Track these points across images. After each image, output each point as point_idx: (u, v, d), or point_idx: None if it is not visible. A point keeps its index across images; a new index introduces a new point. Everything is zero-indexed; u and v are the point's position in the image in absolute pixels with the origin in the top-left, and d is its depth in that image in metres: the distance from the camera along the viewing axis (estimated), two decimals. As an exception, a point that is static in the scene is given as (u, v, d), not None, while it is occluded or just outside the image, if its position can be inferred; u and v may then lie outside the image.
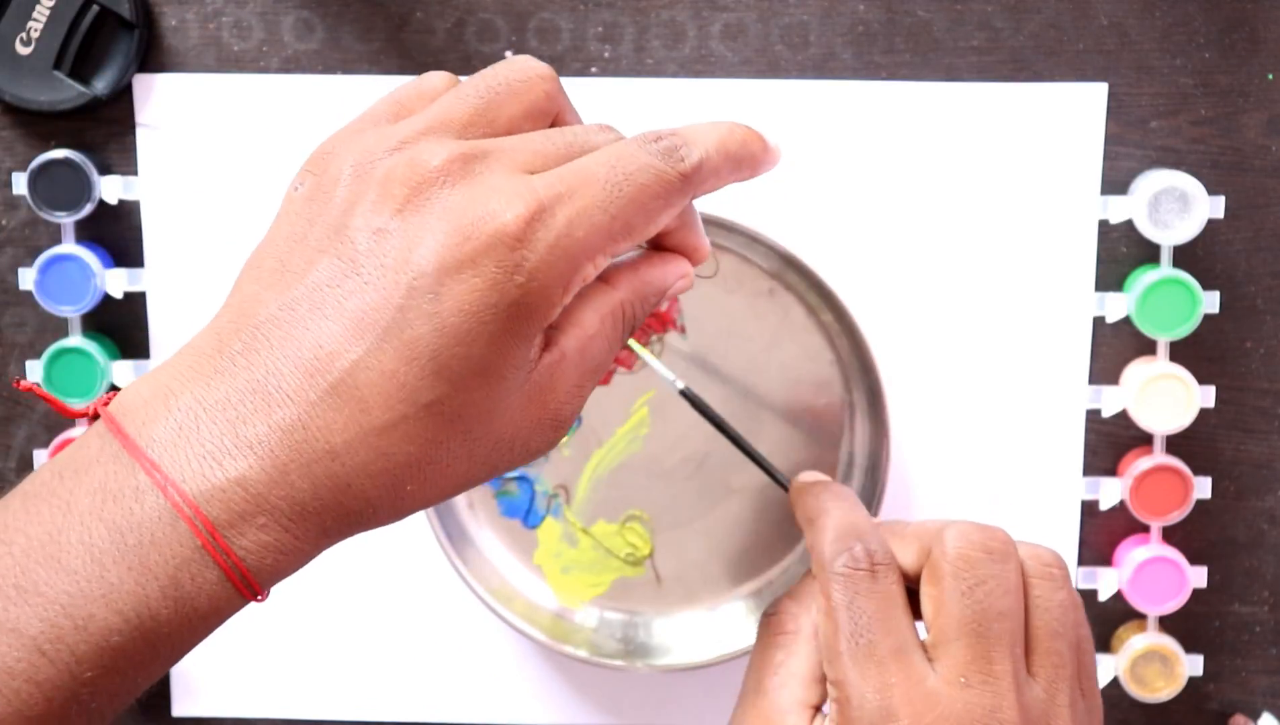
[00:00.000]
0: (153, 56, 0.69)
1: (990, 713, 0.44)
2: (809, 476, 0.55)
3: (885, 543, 0.48)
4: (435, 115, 0.43)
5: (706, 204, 0.68)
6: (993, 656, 0.45)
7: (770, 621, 0.51)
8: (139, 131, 0.69)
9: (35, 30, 0.67)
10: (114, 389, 0.62)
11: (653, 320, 0.69)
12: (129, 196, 0.69)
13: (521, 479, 0.70)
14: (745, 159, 0.46)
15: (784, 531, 0.71)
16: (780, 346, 0.69)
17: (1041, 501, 0.71)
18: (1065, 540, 0.71)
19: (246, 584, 0.40)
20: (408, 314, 0.39)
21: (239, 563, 0.39)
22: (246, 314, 0.41)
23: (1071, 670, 0.47)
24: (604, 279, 0.45)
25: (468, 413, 0.41)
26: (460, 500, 0.71)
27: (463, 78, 0.46)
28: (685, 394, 0.66)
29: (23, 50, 0.67)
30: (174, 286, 0.71)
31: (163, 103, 0.69)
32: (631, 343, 0.69)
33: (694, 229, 0.47)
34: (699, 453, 0.70)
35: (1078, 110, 0.68)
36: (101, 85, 0.68)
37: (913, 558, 0.48)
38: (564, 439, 0.70)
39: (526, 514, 0.71)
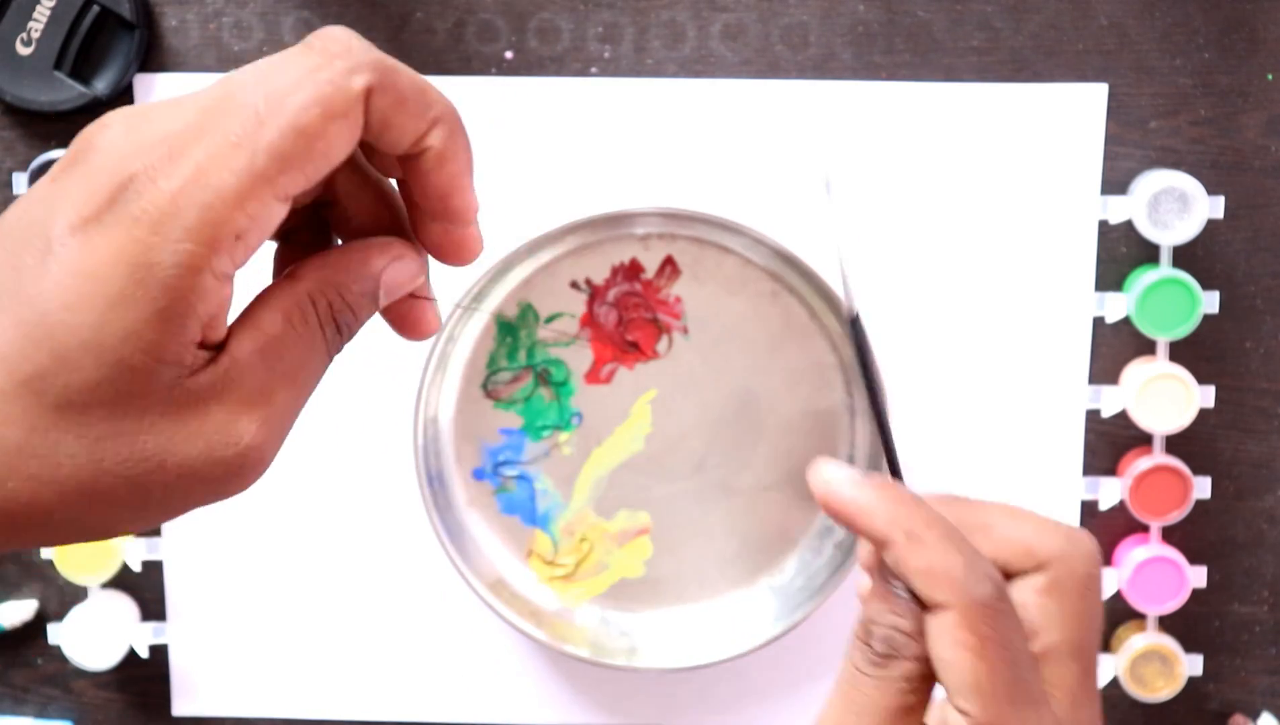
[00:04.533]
0: (153, 57, 0.69)
1: None
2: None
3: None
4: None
5: (710, 205, 0.68)
6: (1092, 673, 0.42)
7: (892, 663, 0.42)
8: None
9: (36, 30, 0.67)
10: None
11: (658, 322, 0.69)
12: (129, 196, 0.69)
13: (521, 478, 0.70)
14: (445, 114, 0.39)
15: (783, 532, 0.71)
16: (783, 348, 0.69)
17: (1041, 501, 0.71)
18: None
19: None
20: (23, 274, 0.34)
21: None
22: None
23: None
24: (289, 273, 0.38)
25: (80, 401, 0.34)
26: (459, 496, 0.70)
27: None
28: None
29: (23, 50, 0.67)
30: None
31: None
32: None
33: (459, 179, 0.40)
34: (699, 453, 0.70)
35: (1078, 110, 0.68)
36: (102, 85, 0.68)
37: (1011, 557, 0.43)
38: (562, 437, 0.70)
39: (526, 512, 0.71)
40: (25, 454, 0.34)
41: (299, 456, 0.72)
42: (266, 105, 0.34)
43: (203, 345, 0.35)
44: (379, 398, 0.71)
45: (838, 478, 0.43)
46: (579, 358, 0.70)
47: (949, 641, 0.40)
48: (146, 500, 0.35)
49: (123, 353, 0.34)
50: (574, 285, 0.69)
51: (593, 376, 0.70)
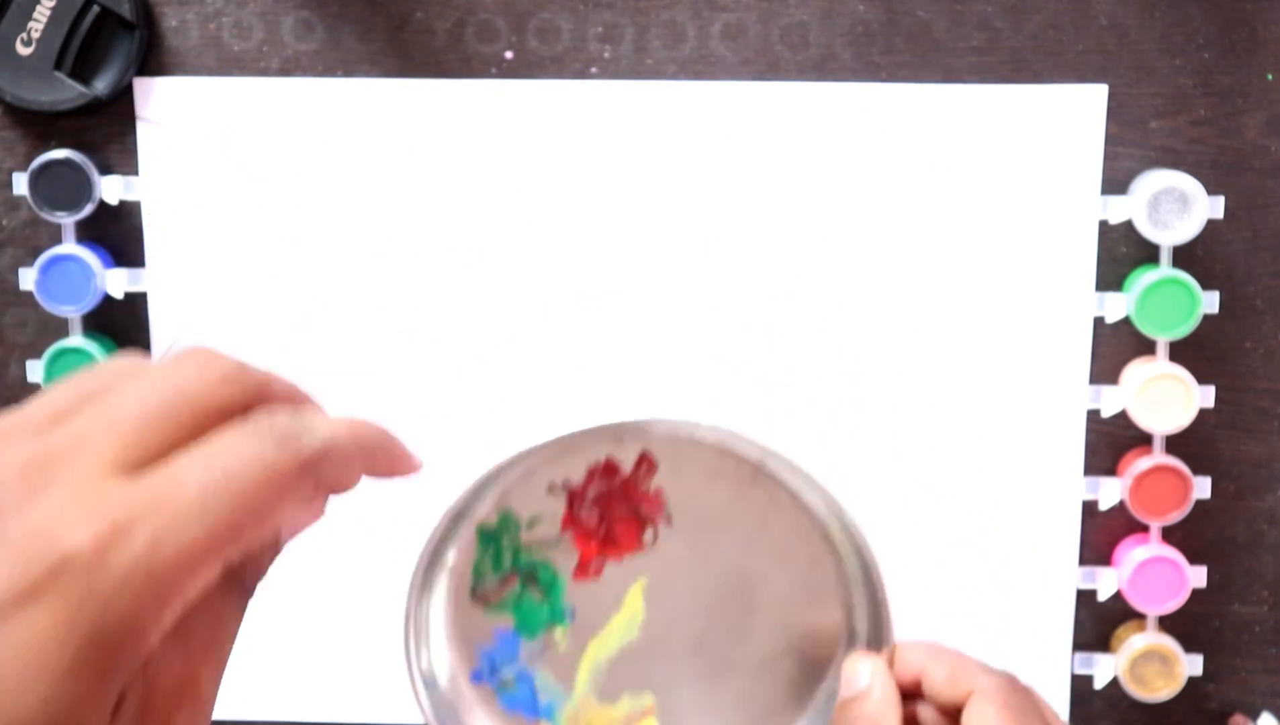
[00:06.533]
0: (153, 56, 0.69)
1: None
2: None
3: None
4: (15, 417, 0.37)
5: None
6: None
7: None
8: (140, 130, 0.69)
9: (36, 30, 0.67)
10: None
11: (640, 516, 0.69)
12: (129, 197, 0.69)
13: (520, 676, 0.70)
14: (381, 453, 0.41)
15: (788, 702, 0.70)
16: (769, 527, 0.68)
17: (1042, 501, 0.71)
18: (1065, 540, 0.71)
19: None
20: None
21: None
22: None
23: None
24: None
25: None
26: (462, 699, 0.69)
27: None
28: None
29: (23, 50, 0.67)
30: (175, 286, 0.71)
31: (163, 104, 0.69)
32: None
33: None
34: (697, 633, 0.69)
35: (1078, 112, 0.68)
36: (102, 85, 0.68)
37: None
38: (558, 633, 0.70)
39: (529, 707, 0.70)
40: None
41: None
42: (227, 483, 0.36)
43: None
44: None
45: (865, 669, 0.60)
46: (566, 555, 0.69)
47: (977, 714, 0.53)
48: None
49: (81, 717, 0.35)
50: (552, 489, 0.68)
51: (581, 573, 0.69)
